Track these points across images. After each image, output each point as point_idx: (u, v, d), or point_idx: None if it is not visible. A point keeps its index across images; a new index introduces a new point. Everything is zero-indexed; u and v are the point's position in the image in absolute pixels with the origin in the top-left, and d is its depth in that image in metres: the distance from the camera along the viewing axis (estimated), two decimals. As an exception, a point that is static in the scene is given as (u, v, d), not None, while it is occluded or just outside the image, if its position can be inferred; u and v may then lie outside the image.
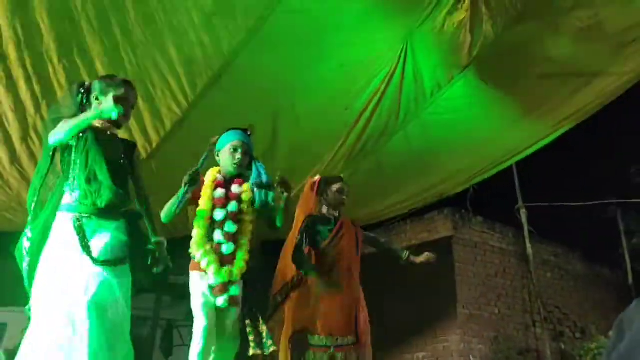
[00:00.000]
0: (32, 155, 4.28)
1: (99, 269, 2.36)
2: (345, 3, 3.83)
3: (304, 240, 3.35)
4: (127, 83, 2.71)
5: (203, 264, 2.84)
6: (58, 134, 2.44)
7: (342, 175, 3.68)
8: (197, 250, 2.87)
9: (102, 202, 2.46)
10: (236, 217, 2.96)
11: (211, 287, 2.83)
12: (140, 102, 4.13)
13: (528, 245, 7.44)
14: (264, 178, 2.96)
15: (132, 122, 4.27)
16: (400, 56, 4.26)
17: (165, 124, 4.36)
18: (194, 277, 2.89)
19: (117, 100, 2.53)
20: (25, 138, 4.20)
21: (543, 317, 7.44)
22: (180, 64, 3.92)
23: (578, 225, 7.91)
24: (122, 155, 2.64)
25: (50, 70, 3.75)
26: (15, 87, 3.82)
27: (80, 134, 2.51)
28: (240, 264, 2.89)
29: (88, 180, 2.46)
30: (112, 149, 2.60)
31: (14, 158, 4.37)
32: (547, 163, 6.97)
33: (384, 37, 4.17)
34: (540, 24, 4.28)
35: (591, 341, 7.07)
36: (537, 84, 4.81)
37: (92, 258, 2.37)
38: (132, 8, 3.55)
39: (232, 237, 2.92)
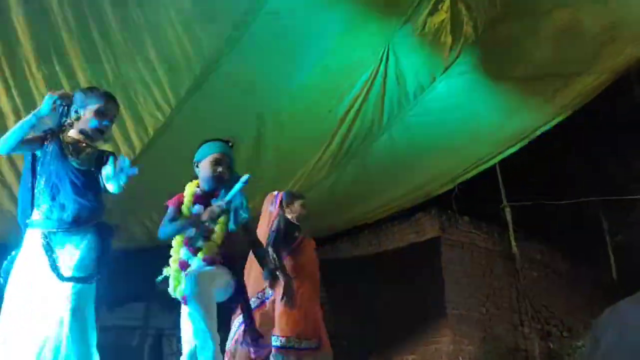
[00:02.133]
0: (14, 166, 4.24)
1: (66, 285, 2.30)
2: (326, 7, 3.83)
3: (277, 239, 3.59)
4: (108, 95, 2.64)
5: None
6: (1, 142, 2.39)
7: (301, 193, 4.04)
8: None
9: (68, 217, 2.38)
10: (208, 234, 2.85)
11: None
12: (122, 109, 4.08)
13: (513, 244, 7.48)
14: (239, 201, 2.83)
15: (115, 130, 4.21)
16: (382, 59, 4.27)
17: (148, 131, 4.32)
18: None
19: (97, 113, 2.50)
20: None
21: (530, 316, 7.48)
22: (161, 70, 3.89)
23: (562, 224, 7.97)
24: (94, 165, 2.52)
25: (29, 77, 3.71)
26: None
27: (46, 145, 2.45)
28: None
29: (52, 195, 2.40)
30: (82, 159, 2.49)
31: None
32: (530, 161, 7.02)
33: (365, 41, 4.18)
34: (521, 25, 4.32)
35: (578, 339, 7.12)
36: (518, 85, 4.86)
37: (59, 275, 2.30)
38: (111, 12, 3.52)
39: (198, 251, 2.83)
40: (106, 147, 2.80)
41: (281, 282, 3.40)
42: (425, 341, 7.08)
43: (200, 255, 2.78)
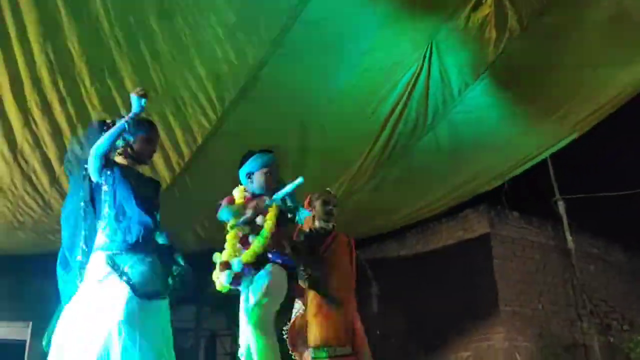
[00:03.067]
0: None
1: (137, 300, 2.37)
2: (366, 8, 3.81)
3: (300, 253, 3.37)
4: (152, 124, 2.84)
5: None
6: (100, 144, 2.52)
7: (328, 189, 3.77)
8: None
9: (131, 238, 2.48)
10: (257, 231, 3.03)
11: None
12: (171, 118, 4.23)
13: (568, 238, 7.25)
14: (290, 204, 3.06)
15: (165, 138, 4.37)
16: (425, 57, 4.22)
17: (196, 139, 4.43)
18: None
19: (147, 141, 2.67)
20: (63, 160, 4.32)
21: (589, 311, 7.26)
22: (207, 79, 3.98)
23: (618, 215, 7.67)
24: (153, 192, 2.71)
25: (83, 92, 3.86)
26: (51, 110, 3.94)
27: (108, 172, 2.56)
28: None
29: (117, 217, 2.50)
30: (142, 184, 2.65)
31: (53, 180, 4.52)
32: (583, 152, 6.78)
33: (407, 40, 4.14)
34: (566, 16, 4.18)
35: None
36: (564, 77, 4.71)
37: (131, 287, 2.38)
38: (158, 28, 3.63)
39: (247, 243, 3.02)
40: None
41: (307, 293, 3.37)
42: (478, 338, 7.00)
43: (243, 258, 2.92)
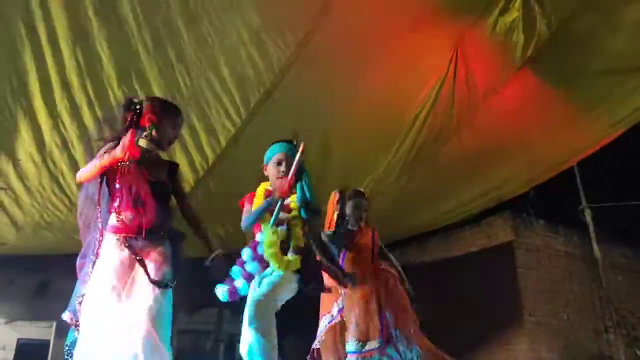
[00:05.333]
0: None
1: (152, 287, 2.38)
2: (393, 11, 3.80)
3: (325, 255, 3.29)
4: (177, 109, 2.77)
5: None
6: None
7: (362, 189, 3.60)
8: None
9: (147, 224, 2.46)
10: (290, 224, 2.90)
11: None
12: (195, 121, 4.26)
13: (595, 247, 7.10)
14: (308, 198, 2.86)
15: (189, 140, 4.41)
16: (451, 61, 4.19)
17: (220, 141, 4.46)
18: None
19: (171, 125, 2.64)
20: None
21: (615, 322, 7.10)
22: (232, 82, 4.01)
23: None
24: (167, 177, 2.66)
25: (111, 95, 3.91)
26: (80, 114, 4.01)
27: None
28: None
29: (134, 203, 2.48)
30: (155, 169, 2.61)
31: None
32: (611, 160, 6.65)
33: (434, 44, 4.12)
34: (597, 19, 4.11)
35: (668, 345, 6.71)
36: (594, 82, 4.62)
37: (147, 275, 2.39)
38: (185, 30, 3.66)
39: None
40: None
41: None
42: (501, 348, 6.88)
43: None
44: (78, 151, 4.28)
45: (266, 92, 4.09)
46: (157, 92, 3.96)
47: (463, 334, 7.06)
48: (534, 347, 6.68)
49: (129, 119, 2.58)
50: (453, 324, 7.10)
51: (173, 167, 2.75)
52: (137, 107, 2.59)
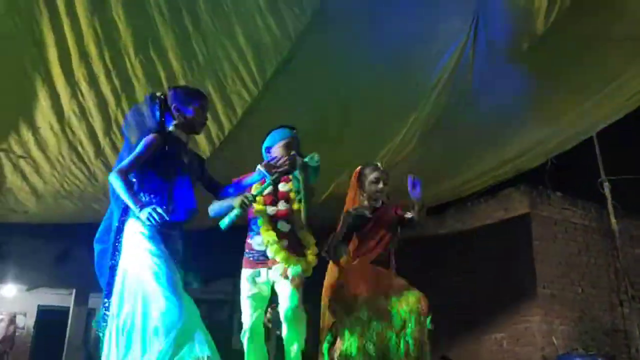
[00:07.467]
0: (115, 148, 4.50)
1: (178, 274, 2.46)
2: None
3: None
4: (202, 93, 2.86)
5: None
6: None
7: (378, 164, 3.40)
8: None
9: (172, 212, 2.50)
10: (288, 216, 3.05)
11: None
12: (211, 90, 4.24)
13: (613, 220, 7.04)
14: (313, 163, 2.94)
15: (205, 111, 4.38)
16: (471, 26, 4.08)
17: (236, 111, 4.44)
18: None
19: (200, 109, 2.71)
20: (108, 132, 4.42)
21: (630, 296, 7.07)
22: (249, 51, 3.96)
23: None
24: (196, 166, 2.77)
25: (128, 65, 3.91)
26: (97, 83, 4.01)
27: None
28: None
29: (161, 191, 2.54)
30: (185, 157, 2.70)
31: (98, 151, 4.62)
32: (631, 131, 6.52)
33: (453, 9, 4.03)
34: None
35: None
36: (618, 48, 4.49)
37: (175, 260, 2.47)
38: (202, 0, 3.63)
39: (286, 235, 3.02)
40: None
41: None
42: (515, 320, 6.91)
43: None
44: (96, 120, 4.30)
45: (283, 61, 4.05)
46: (174, 61, 3.96)
47: (477, 304, 7.11)
48: (547, 319, 6.70)
49: (158, 113, 2.66)
50: (468, 294, 7.14)
51: (199, 159, 2.91)
52: (162, 99, 2.68)
